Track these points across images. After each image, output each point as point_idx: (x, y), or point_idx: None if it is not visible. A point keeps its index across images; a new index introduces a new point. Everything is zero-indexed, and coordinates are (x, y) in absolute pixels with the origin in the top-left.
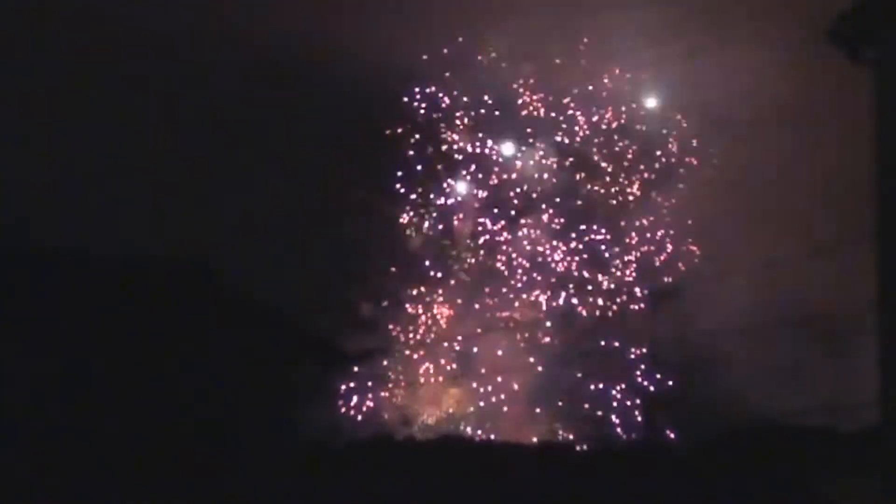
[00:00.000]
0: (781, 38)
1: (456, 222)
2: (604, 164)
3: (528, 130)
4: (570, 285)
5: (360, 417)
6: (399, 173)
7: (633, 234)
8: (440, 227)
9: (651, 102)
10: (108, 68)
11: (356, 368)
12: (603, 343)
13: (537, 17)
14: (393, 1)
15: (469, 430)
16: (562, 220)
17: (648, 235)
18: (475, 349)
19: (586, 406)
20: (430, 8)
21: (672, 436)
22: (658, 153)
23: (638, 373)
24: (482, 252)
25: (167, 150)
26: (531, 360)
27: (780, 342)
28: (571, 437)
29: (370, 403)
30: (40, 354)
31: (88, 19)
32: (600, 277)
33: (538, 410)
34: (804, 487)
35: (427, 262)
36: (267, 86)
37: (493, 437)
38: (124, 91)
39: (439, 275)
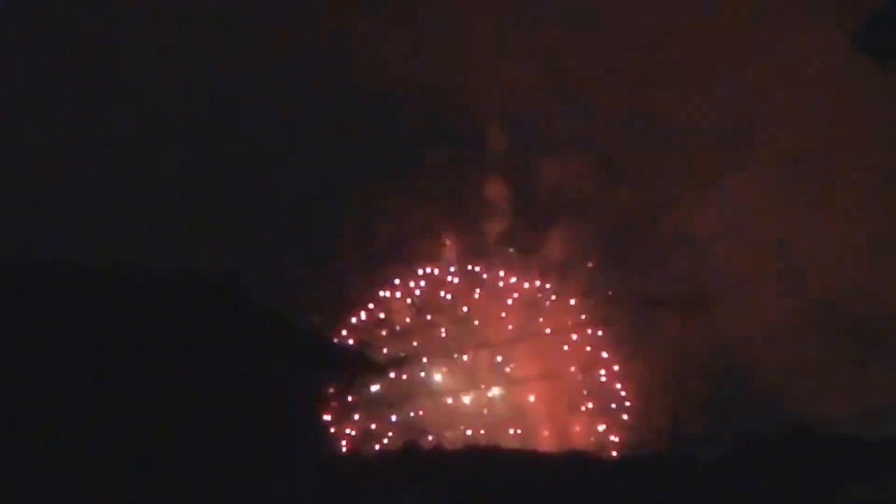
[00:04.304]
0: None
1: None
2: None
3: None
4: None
5: (390, 426)
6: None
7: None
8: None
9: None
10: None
11: (388, 376)
12: (633, 349)
13: None
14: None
15: (496, 437)
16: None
17: (681, 240)
18: (506, 357)
19: (616, 412)
20: None
21: (701, 441)
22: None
23: (667, 379)
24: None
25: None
26: (563, 366)
27: (810, 347)
28: (601, 442)
29: (400, 412)
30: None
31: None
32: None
33: (569, 417)
34: (831, 494)
35: (458, 270)
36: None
37: (519, 445)
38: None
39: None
